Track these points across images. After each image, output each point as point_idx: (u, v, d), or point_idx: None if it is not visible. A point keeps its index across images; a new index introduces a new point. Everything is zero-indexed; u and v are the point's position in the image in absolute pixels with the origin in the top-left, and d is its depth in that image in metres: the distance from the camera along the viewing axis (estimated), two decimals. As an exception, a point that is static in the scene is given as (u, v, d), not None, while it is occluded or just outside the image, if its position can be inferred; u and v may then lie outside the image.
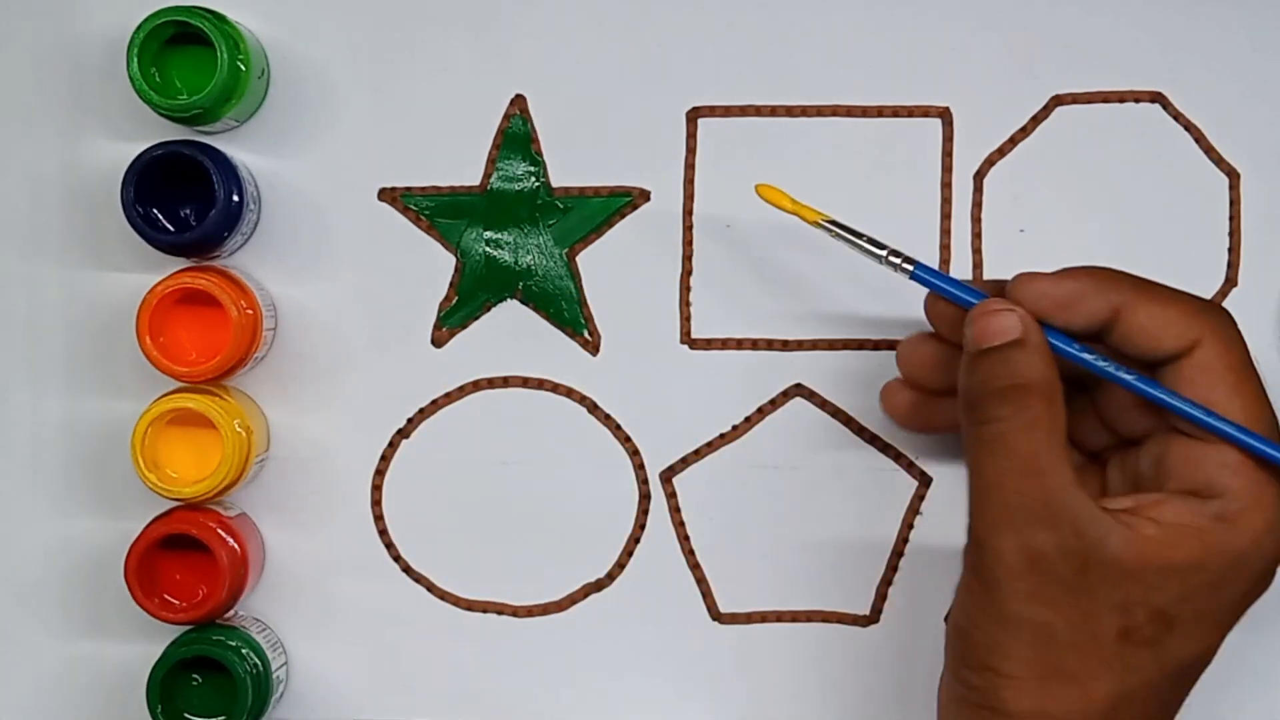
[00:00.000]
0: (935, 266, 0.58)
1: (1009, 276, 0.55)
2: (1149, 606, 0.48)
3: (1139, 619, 0.48)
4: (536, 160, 0.59)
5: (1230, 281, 0.59)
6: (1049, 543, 0.47)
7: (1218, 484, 0.48)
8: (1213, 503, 0.48)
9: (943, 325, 0.53)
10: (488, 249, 0.59)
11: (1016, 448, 0.48)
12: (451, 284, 0.59)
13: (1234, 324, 0.50)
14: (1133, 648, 0.48)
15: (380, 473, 0.59)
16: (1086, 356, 0.50)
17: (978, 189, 0.59)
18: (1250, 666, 0.58)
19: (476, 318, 0.59)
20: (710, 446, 0.59)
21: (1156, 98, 0.58)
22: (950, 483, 0.59)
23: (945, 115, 0.59)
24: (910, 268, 0.52)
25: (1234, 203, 0.58)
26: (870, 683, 0.59)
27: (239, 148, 0.58)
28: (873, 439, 0.59)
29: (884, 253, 0.52)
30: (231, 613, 0.58)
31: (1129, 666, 0.48)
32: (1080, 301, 0.50)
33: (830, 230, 0.52)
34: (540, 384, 0.59)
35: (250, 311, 0.56)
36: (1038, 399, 0.48)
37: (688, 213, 0.59)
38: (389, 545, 0.59)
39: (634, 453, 0.59)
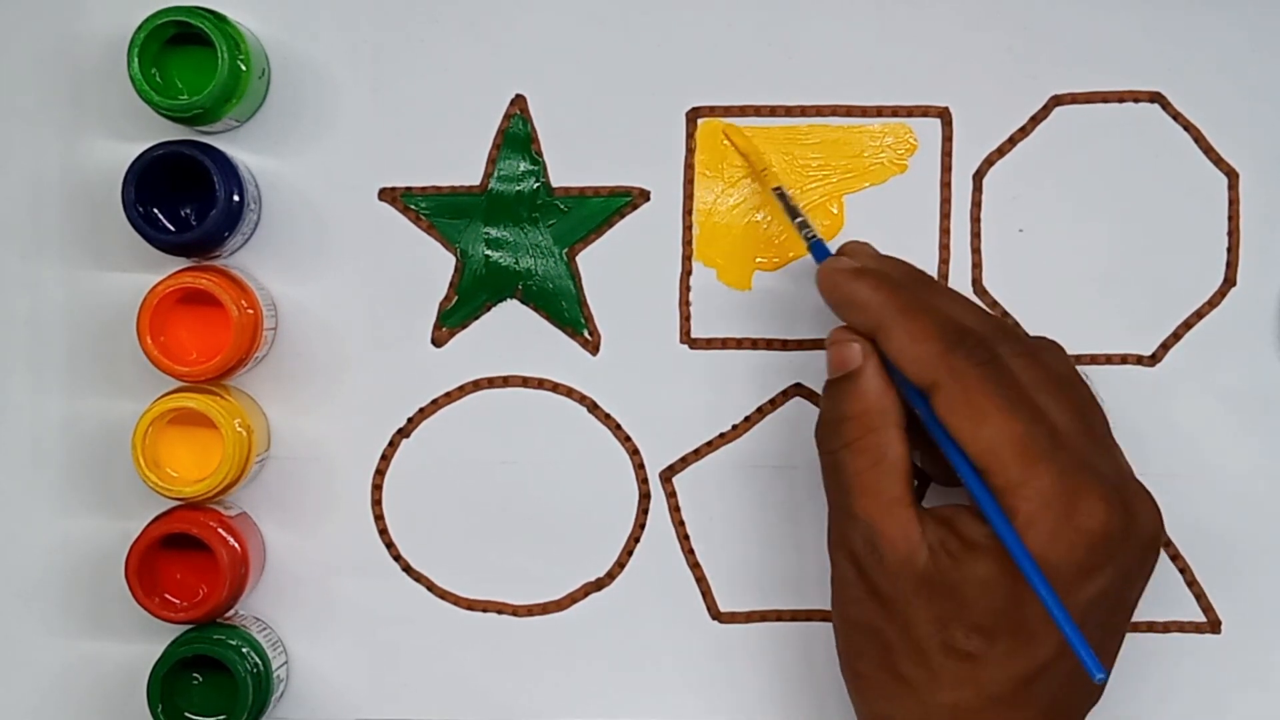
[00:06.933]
0: (935, 266, 0.58)
1: (1007, 276, 0.55)
2: (964, 621, 0.49)
3: (957, 634, 0.49)
4: (536, 160, 0.59)
5: (1229, 281, 0.59)
6: (868, 558, 0.50)
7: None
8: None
9: None
10: (488, 249, 0.59)
11: (845, 470, 0.51)
12: (451, 284, 0.59)
13: (983, 357, 0.50)
14: (957, 662, 0.49)
15: (380, 472, 0.59)
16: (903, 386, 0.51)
17: (977, 189, 0.59)
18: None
19: (476, 317, 0.59)
20: (710, 446, 0.59)
21: (1155, 98, 0.58)
22: (950, 482, 0.59)
23: (945, 115, 0.59)
24: (809, 240, 0.56)
25: (1233, 202, 0.59)
26: (870, 682, 0.59)
27: (239, 148, 0.58)
28: (872, 438, 0.59)
29: (799, 221, 0.56)
30: (232, 612, 0.58)
31: (961, 680, 0.49)
32: (850, 310, 0.52)
33: (776, 194, 0.57)
34: (540, 384, 0.59)
35: (250, 311, 0.56)
36: (859, 426, 0.51)
37: (687, 213, 0.59)
38: (389, 545, 0.59)
39: (634, 452, 0.59)
